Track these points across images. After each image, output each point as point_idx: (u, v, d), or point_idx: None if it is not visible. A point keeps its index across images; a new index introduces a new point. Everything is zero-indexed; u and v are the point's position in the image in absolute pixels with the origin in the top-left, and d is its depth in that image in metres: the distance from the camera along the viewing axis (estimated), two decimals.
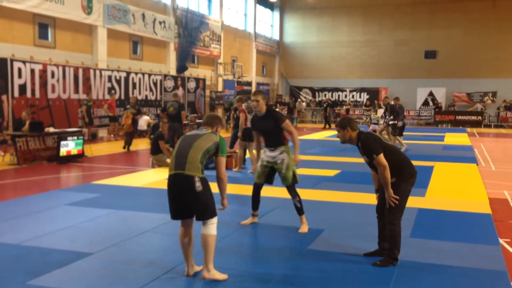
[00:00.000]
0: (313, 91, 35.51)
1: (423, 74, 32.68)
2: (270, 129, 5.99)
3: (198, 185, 4.10)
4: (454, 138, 20.22)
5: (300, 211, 5.97)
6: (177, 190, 4.17)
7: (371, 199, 7.82)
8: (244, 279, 4.35)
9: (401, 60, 33.25)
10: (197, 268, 4.38)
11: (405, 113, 15.39)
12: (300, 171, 10.55)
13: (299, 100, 33.89)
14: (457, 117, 29.72)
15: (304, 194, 8.13)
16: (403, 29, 33.15)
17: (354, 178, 9.85)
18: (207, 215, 4.16)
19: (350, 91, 34.70)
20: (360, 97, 34.44)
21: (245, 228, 6.00)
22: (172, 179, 4.18)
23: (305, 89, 35.85)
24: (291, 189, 5.96)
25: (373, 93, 33.66)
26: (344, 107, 32.86)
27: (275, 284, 4.23)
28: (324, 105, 29.43)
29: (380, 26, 33.83)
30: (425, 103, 32.04)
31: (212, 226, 4.16)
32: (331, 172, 10.50)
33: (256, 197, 6.18)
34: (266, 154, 6.05)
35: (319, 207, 7.29)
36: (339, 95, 34.98)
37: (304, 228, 5.90)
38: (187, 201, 4.15)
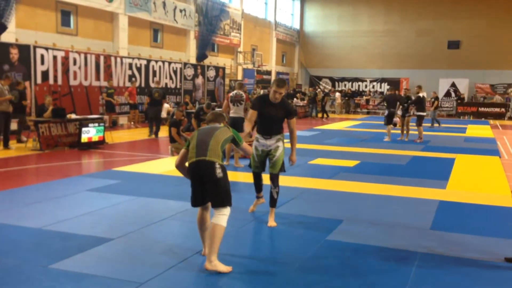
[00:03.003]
0: (333, 81, 35.25)
1: (446, 65, 32.16)
2: (277, 118, 5.70)
3: (219, 171, 4.19)
4: (476, 130, 19.91)
5: (274, 203, 5.76)
6: (199, 177, 4.23)
7: (390, 190, 7.78)
8: (261, 267, 4.36)
9: (423, 51, 32.76)
10: None
11: (422, 105, 15.23)
12: (319, 161, 10.57)
13: (318, 90, 33.68)
14: (479, 109, 29.18)
15: (323, 184, 8.13)
16: (426, 19, 32.61)
17: (374, 169, 9.78)
18: (225, 202, 4.19)
19: (371, 81, 34.38)
20: (380, 87, 34.09)
21: (262, 217, 5.99)
22: (194, 166, 4.24)
23: (325, 78, 35.61)
24: (276, 178, 5.71)
25: (394, 84, 33.12)
26: (364, 97, 32.61)
27: (294, 273, 4.24)
28: (322, 95, 27.77)
29: (402, 15, 33.34)
30: (447, 94, 31.56)
31: (224, 217, 4.17)
32: (350, 163, 10.43)
33: (258, 182, 6.04)
34: (261, 143, 5.76)
35: (337, 197, 7.25)
36: (359, 85, 34.68)
37: (273, 222, 5.67)
38: (207, 187, 4.21)
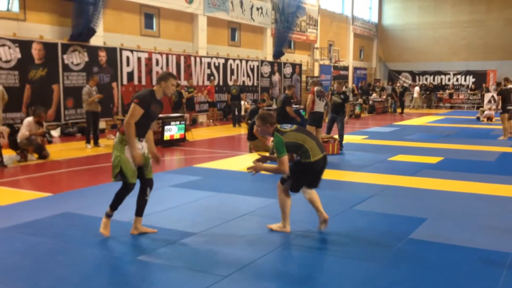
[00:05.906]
0: (413, 75, 34.06)
1: None
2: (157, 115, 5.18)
3: None
4: None
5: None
6: (324, 169, 5.18)
7: (478, 188, 7.41)
8: (344, 262, 4.33)
9: None
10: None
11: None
12: (400, 158, 10.28)
13: (398, 84, 32.70)
14: None
15: (405, 181, 7.90)
16: None
17: (459, 165, 9.36)
18: None
19: (454, 74, 32.84)
20: (465, 80, 32.48)
21: (343, 214, 5.93)
22: (323, 161, 5.11)
23: (405, 73, 34.49)
24: (152, 184, 5.21)
25: (480, 76, 31.57)
26: (447, 91, 31.22)
27: (381, 268, 4.16)
28: (401, 90, 25.68)
29: (489, 4, 31.52)
30: None
31: None
32: (433, 159, 10.05)
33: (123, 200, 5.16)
34: (139, 146, 4.96)
35: (420, 195, 7.02)
36: (441, 79, 33.25)
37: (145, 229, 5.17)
38: (321, 175, 5.23)
